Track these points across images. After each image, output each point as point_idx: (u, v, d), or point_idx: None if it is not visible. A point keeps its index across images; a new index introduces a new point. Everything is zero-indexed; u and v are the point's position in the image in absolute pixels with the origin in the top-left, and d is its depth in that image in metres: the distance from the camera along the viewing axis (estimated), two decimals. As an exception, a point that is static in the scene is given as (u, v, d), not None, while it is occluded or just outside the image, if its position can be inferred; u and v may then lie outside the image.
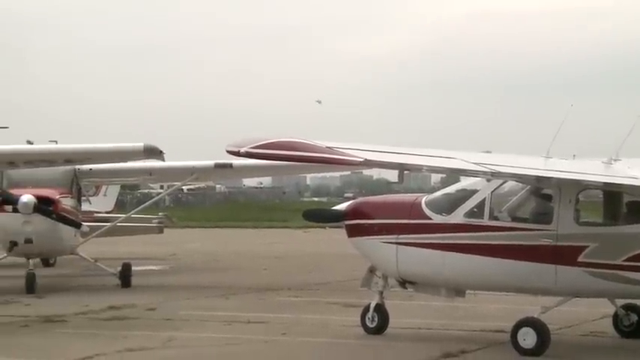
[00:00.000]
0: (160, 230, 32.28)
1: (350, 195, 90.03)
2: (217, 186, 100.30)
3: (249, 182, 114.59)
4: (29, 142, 30.47)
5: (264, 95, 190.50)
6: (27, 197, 22.77)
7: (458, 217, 14.95)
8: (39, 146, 25.08)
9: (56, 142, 36.36)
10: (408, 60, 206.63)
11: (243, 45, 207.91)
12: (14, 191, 23.48)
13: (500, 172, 13.85)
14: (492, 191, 14.89)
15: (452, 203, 15.20)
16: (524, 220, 14.76)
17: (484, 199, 14.87)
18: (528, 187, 14.81)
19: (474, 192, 15.07)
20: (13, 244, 23.25)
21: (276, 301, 21.19)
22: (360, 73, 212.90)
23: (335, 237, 32.43)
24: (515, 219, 14.80)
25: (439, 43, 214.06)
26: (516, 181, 14.75)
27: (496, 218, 14.84)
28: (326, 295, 22.04)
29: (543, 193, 14.87)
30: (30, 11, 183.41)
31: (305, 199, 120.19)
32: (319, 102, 62.92)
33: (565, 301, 14.67)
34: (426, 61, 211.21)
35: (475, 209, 14.89)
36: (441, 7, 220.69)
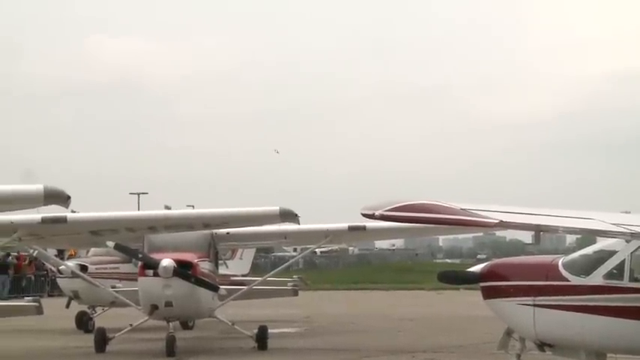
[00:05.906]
0: (295, 293, 32.48)
1: (483, 257, 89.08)
2: (350, 248, 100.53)
3: (382, 244, 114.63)
4: (167, 208, 31.29)
5: (398, 156, 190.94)
6: (167, 261, 23.29)
7: (596, 278, 14.68)
8: (178, 211, 25.67)
9: (193, 206, 37.26)
10: (546, 120, 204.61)
11: (378, 105, 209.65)
12: (154, 255, 24.07)
13: (640, 233, 13.57)
14: (632, 252, 14.59)
15: (590, 265, 14.95)
16: (667, 282, 14.42)
17: (624, 261, 14.58)
18: (670, 247, 14.46)
19: (612, 253, 14.78)
20: (154, 307, 23.71)
21: (412, 363, 21.11)
22: (498, 134, 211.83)
23: (469, 299, 32.14)
24: (656, 280, 14.46)
25: (576, 103, 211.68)
26: (657, 242, 14.42)
27: (637, 280, 14.51)
28: (462, 357, 21.81)
29: (686, 254, 14.50)
30: (174, 75, 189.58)
31: (438, 261, 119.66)
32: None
33: None
34: (563, 121, 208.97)
35: (614, 270, 14.60)
36: (576, 67, 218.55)
